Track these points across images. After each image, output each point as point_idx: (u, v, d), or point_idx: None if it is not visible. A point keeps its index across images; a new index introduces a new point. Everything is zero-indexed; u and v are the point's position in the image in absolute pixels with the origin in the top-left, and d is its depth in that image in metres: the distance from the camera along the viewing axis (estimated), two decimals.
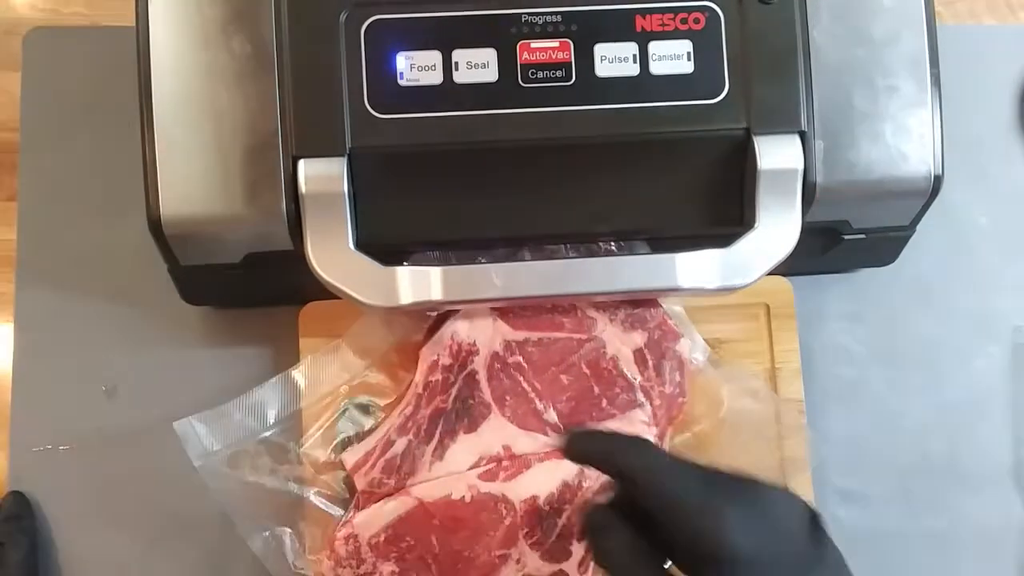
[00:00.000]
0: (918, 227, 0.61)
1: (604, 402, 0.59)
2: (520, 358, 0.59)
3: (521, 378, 0.59)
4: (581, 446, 0.45)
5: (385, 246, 0.54)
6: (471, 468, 0.58)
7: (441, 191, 0.54)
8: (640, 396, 0.59)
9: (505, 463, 0.58)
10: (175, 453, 0.60)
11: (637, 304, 0.59)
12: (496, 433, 0.58)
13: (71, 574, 0.61)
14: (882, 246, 0.62)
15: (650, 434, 0.59)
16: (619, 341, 0.59)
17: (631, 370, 0.59)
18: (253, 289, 0.60)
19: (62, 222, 0.64)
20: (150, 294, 0.63)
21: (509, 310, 0.59)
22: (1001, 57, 0.71)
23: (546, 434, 0.59)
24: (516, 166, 0.53)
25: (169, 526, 0.61)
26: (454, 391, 0.58)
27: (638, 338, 0.59)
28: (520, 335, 0.59)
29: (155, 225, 0.52)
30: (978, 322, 0.68)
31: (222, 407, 0.58)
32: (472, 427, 0.58)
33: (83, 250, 0.64)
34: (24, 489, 0.61)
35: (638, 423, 0.59)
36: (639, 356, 0.59)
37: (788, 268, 0.62)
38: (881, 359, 0.67)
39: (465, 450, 0.58)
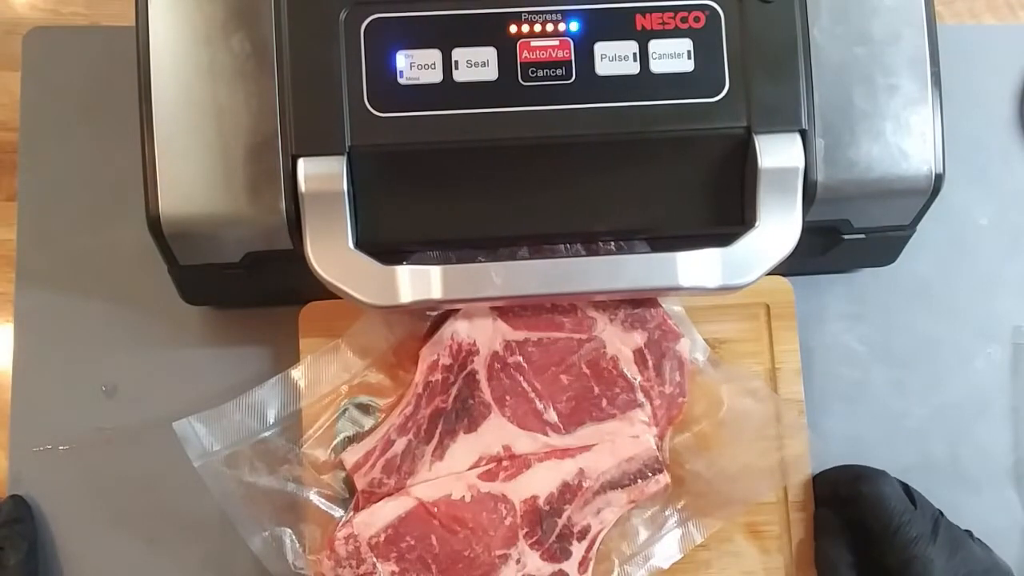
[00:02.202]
0: (918, 227, 0.61)
1: (604, 402, 0.59)
2: (520, 358, 0.59)
3: (521, 378, 0.59)
4: (826, 478, 0.61)
5: (385, 245, 0.54)
6: (471, 468, 0.58)
7: (441, 190, 0.54)
8: (640, 396, 0.59)
9: (505, 463, 0.58)
10: (175, 453, 0.60)
11: (637, 304, 0.59)
12: (496, 433, 0.58)
13: (71, 573, 0.61)
14: (882, 246, 0.62)
15: (650, 434, 0.59)
16: (619, 341, 0.59)
17: (631, 370, 0.59)
18: (253, 289, 0.60)
19: (62, 222, 0.64)
20: (150, 294, 0.63)
21: (509, 310, 0.59)
22: (1001, 57, 0.71)
23: (546, 434, 0.59)
24: (516, 165, 0.53)
25: (169, 526, 0.61)
26: (454, 391, 0.58)
27: (638, 338, 0.59)
28: (520, 335, 0.59)
29: (154, 224, 0.52)
30: (978, 322, 0.68)
31: (222, 407, 0.58)
32: (472, 427, 0.58)
33: (83, 250, 0.64)
34: (24, 489, 0.61)
35: (638, 423, 0.59)
36: (639, 356, 0.59)
37: (788, 268, 0.62)
38: (881, 359, 0.67)
39: (465, 450, 0.58)
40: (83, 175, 0.64)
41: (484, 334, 0.59)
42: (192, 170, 0.52)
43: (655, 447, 0.59)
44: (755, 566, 0.61)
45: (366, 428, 0.59)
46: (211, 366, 0.63)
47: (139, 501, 0.61)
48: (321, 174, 0.51)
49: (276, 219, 0.52)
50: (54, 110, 0.65)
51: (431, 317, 0.60)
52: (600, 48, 0.52)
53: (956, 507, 0.60)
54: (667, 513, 0.60)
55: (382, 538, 0.56)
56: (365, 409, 0.60)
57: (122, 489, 0.61)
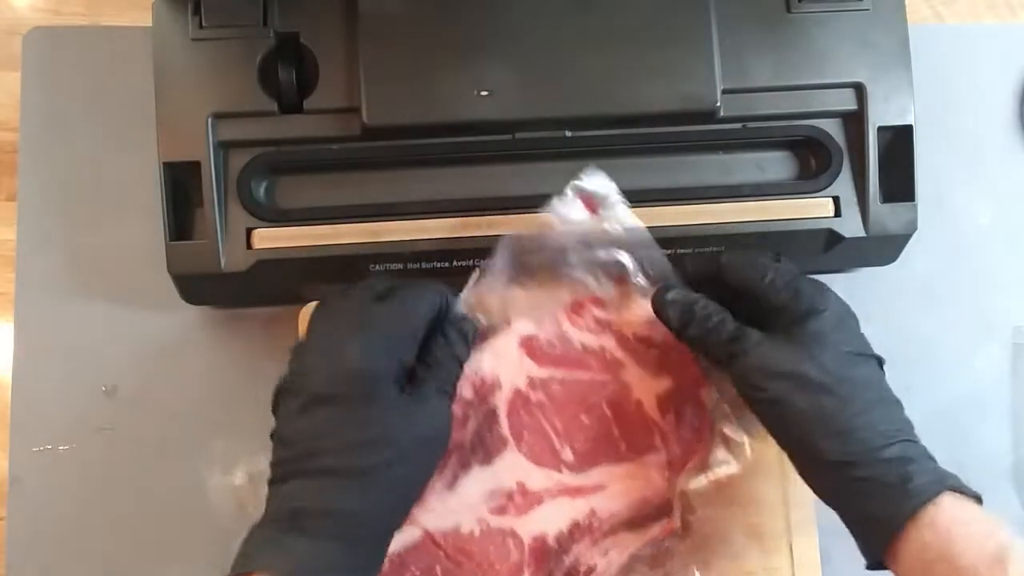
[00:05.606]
0: (918, 227, 0.61)
1: (623, 445, 0.57)
2: (543, 395, 0.57)
3: (541, 416, 0.57)
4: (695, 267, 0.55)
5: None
6: (482, 501, 0.56)
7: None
8: (658, 441, 0.57)
9: (517, 499, 0.56)
10: (175, 452, 0.61)
11: (666, 348, 0.58)
12: (510, 468, 0.56)
13: (70, 573, 0.61)
14: (882, 246, 0.62)
15: (662, 479, 0.57)
16: (644, 385, 0.57)
17: (653, 414, 0.57)
18: (253, 289, 0.60)
19: (62, 222, 0.64)
20: (150, 294, 0.63)
21: (537, 346, 0.57)
22: (1001, 57, 0.71)
23: (560, 471, 0.57)
24: None
25: (168, 525, 0.61)
26: (472, 425, 0.56)
27: (665, 383, 0.58)
28: (545, 372, 0.57)
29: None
30: (978, 322, 0.68)
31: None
32: (487, 460, 0.56)
33: (83, 250, 0.64)
34: (24, 489, 0.61)
35: (653, 467, 0.57)
36: (663, 401, 0.57)
37: None
38: None
39: (477, 482, 0.56)
40: (83, 175, 0.64)
41: (509, 369, 0.57)
42: None
43: (668, 491, 0.57)
44: (755, 566, 0.61)
45: None
46: (211, 366, 0.63)
47: (139, 500, 0.61)
48: None
49: None
50: (54, 110, 0.65)
51: None
52: None
53: None
54: (670, 556, 0.58)
55: (386, 567, 0.53)
56: None
57: (122, 489, 0.61)
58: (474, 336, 0.54)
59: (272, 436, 0.49)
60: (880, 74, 0.60)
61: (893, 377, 0.66)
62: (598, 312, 0.58)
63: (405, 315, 0.50)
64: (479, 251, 0.58)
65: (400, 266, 0.59)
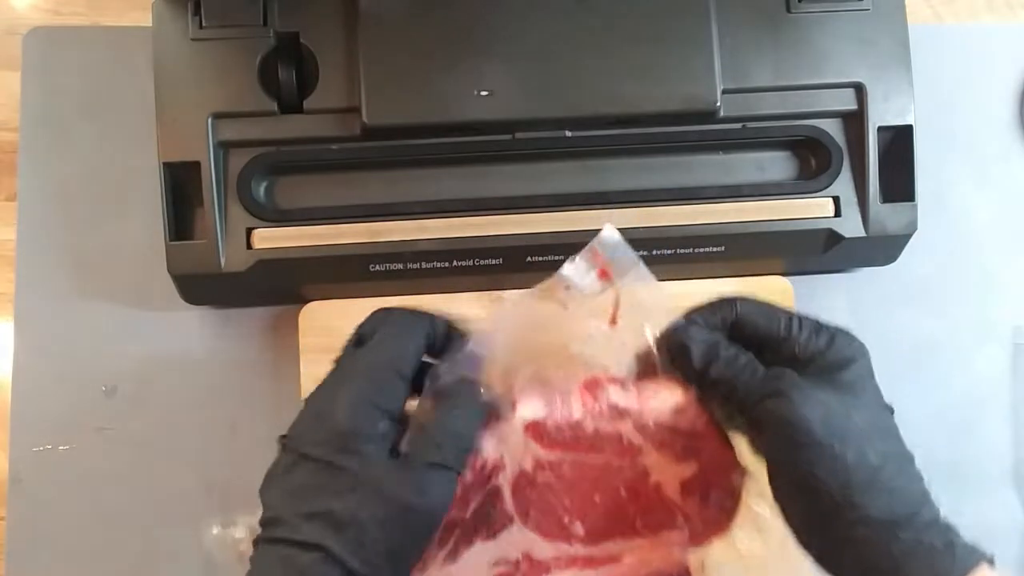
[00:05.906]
0: (918, 227, 0.61)
1: (639, 522, 0.52)
2: (551, 476, 0.52)
3: (550, 494, 0.52)
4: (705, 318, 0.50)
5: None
6: (487, 568, 0.52)
7: None
8: (680, 520, 0.52)
9: (523, 567, 0.52)
10: (174, 452, 0.61)
11: (692, 436, 0.52)
12: (516, 541, 0.52)
13: (70, 573, 0.61)
14: (882, 246, 0.62)
15: (682, 554, 0.53)
16: (665, 469, 0.52)
17: (675, 497, 0.52)
18: (253, 289, 0.60)
19: (62, 222, 0.64)
20: (150, 294, 0.63)
21: (543, 431, 0.52)
22: (1001, 57, 0.71)
23: (570, 544, 0.52)
24: None
25: (168, 525, 0.61)
26: (474, 504, 0.52)
27: (689, 468, 0.52)
28: (554, 455, 0.52)
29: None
30: (978, 322, 0.68)
31: None
32: (491, 535, 0.52)
33: (83, 250, 0.64)
34: (24, 489, 0.61)
35: (674, 546, 0.53)
36: (687, 485, 0.52)
37: (788, 268, 0.62)
38: (881, 359, 0.66)
39: (482, 553, 0.52)
40: (83, 175, 0.64)
41: (513, 453, 0.52)
42: None
43: (687, 564, 0.53)
44: (755, 567, 0.60)
45: None
46: (211, 366, 0.63)
47: (138, 501, 0.61)
48: None
49: None
50: (54, 110, 0.65)
51: None
52: None
53: (956, 507, 0.59)
54: None
55: None
56: None
57: (122, 489, 0.61)
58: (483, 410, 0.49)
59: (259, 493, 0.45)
60: (880, 74, 0.60)
61: (893, 376, 0.66)
62: (616, 395, 0.52)
63: (389, 355, 0.46)
64: (479, 251, 0.59)
65: (400, 266, 0.59)
